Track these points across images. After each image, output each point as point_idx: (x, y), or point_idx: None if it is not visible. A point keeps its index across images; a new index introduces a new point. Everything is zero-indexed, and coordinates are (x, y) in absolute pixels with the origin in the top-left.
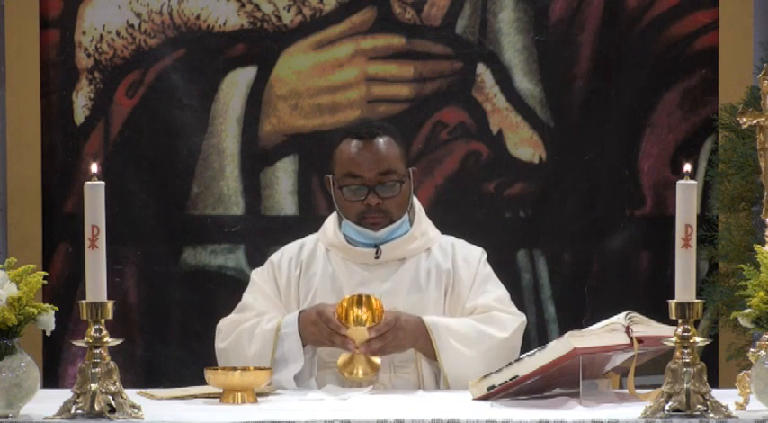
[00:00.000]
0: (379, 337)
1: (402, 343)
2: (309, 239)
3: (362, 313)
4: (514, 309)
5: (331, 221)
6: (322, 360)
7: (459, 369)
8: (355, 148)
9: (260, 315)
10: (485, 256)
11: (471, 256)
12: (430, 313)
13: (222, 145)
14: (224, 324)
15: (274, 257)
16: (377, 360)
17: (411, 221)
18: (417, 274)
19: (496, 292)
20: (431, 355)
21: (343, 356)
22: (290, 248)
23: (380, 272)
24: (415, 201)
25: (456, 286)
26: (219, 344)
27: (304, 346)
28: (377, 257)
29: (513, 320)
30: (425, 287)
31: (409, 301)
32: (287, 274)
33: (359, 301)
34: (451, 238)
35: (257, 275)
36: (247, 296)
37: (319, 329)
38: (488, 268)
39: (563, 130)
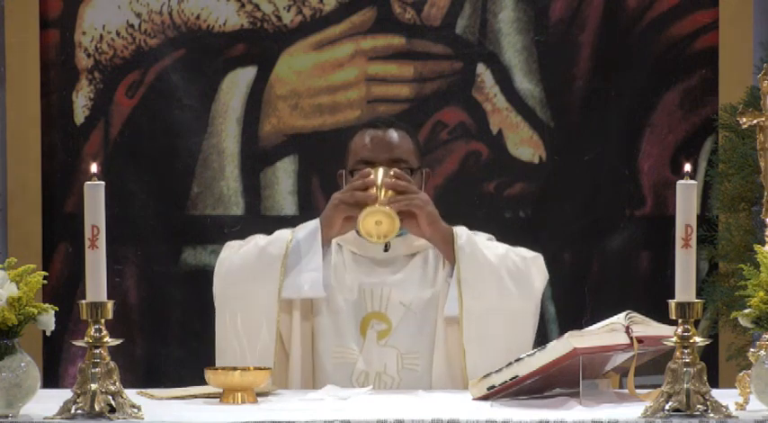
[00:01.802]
0: (405, 194)
1: (427, 207)
2: None
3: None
4: None
5: None
6: (322, 361)
7: (476, 269)
8: (369, 136)
9: None
10: (494, 238)
11: (481, 234)
12: (442, 306)
13: (222, 145)
14: (232, 241)
15: None
16: (396, 217)
17: None
18: (426, 268)
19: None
20: (449, 253)
21: (365, 211)
22: None
23: (390, 266)
24: None
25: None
26: (222, 254)
27: (325, 239)
28: (386, 250)
29: (531, 252)
30: (435, 281)
31: (420, 293)
32: None
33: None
34: None
35: None
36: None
37: (341, 191)
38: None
39: (563, 130)
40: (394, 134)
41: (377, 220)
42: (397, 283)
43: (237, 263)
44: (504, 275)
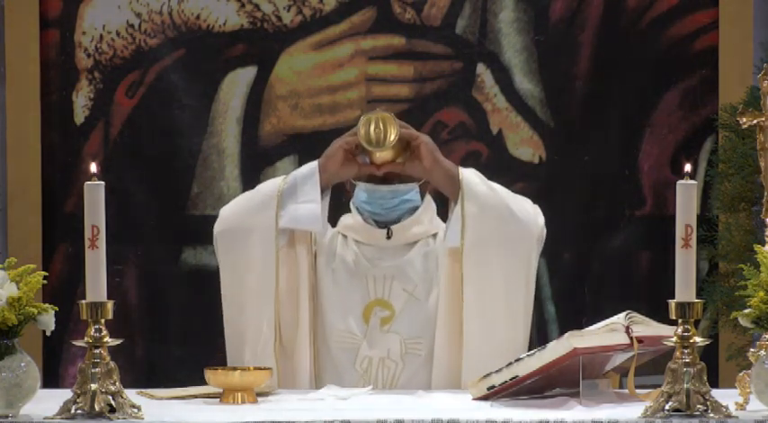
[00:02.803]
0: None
1: (428, 139)
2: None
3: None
4: None
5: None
6: (327, 340)
7: (480, 202)
8: None
9: None
10: None
11: None
12: (444, 293)
13: (222, 145)
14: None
15: None
16: (396, 122)
17: (422, 197)
18: (428, 255)
19: None
20: (452, 191)
21: (365, 115)
22: None
23: (393, 253)
24: (427, 196)
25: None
26: (222, 208)
27: (323, 172)
28: (388, 238)
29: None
30: (437, 267)
31: (423, 280)
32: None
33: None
34: None
35: None
36: None
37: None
38: None
39: (563, 130)
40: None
41: (376, 121)
42: (400, 270)
43: (234, 203)
44: (509, 203)
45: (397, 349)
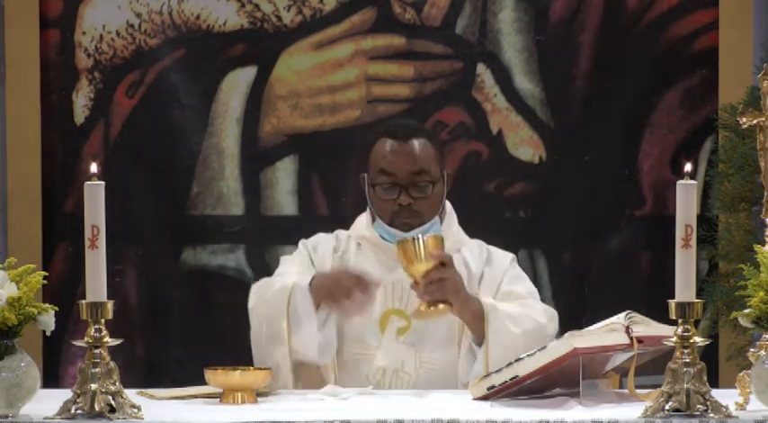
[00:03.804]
0: (439, 269)
1: (458, 289)
2: (341, 234)
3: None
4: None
5: (363, 218)
6: (342, 357)
7: (504, 346)
8: (390, 146)
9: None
10: (516, 260)
11: (502, 259)
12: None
13: (222, 145)
14: (256, 285)
15: (308, 241)
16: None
17: (441, 222)
18: None
19: (529, 286)
20: (477, 329)
21: (421, 313)
22: (325, 236)
23: None
24: (447, 204)
25: (483, 285)
26: (250, 304)
27: (317, 306)
28: None
29: (548, 310)
30: None
31: None
32: (322, 252)
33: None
34: (480, 241)
35: (289, 256)
36: (280, 268)
37: (336, 280)
38: (519, 269)
39: (563, 130)
40: (415, 144)
41: (427, 310)
42: None
43: (256, 325)
44: (527, 344)
45: (412, 362)
